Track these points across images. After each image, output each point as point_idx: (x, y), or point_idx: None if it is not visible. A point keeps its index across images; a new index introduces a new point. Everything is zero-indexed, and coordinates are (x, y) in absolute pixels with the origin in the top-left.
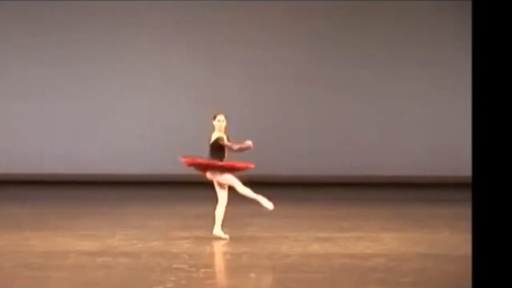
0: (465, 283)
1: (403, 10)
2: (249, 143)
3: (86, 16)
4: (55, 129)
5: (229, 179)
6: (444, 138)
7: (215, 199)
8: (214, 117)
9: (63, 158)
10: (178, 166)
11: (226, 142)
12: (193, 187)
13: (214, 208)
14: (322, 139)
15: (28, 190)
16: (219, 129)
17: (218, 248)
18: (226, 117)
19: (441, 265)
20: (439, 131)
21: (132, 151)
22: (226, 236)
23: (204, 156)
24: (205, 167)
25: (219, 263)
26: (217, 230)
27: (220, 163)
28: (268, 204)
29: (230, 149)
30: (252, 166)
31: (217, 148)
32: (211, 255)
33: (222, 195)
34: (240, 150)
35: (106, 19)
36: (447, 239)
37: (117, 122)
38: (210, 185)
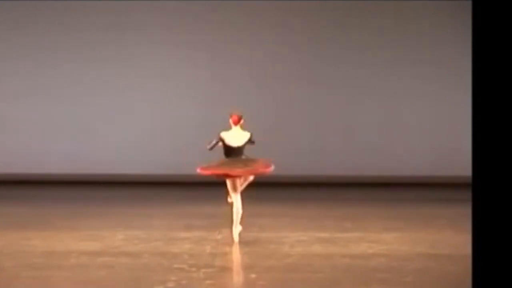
0: (467, 283)
1: (403, 10)
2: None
3: (86, 17)
4: (55, 129)
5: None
6: (445, 138)
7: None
8: (231, 116)
9: (64, 158)
10: (180, 166)
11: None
12: (194, 187)
13: (214, 208)
14: (323, 139)
15: (28, 190)
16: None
17: (219, 248)
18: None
19: (443, 265)
20: (440, 130)
21: (132, 151)
22: (236, 239)
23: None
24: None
25: (220, 263)
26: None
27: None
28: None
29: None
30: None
31: (243, 148)
32: (212, 255)
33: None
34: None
35: (107, 20)
36: (449, 239)
37: (117, 122)
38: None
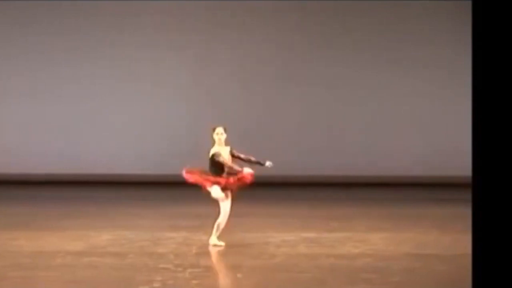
0: (455, 283)
1: (403, 10)
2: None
3: (83, 18)
4: (43, 130)
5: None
6: (438, 138)
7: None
8: (214, 130)
9: (50, 158)
10: (168, 167)
11: (223, 159)
12: (181, 187)
13: (200, 209)
14: (313, 138)
15: (15, 190)
16: (218, 143)
17: (205, 248)
18: (226, 130)
19: (429, 265)
20: (434, 131)
21: (120, 152)
22: (222, 243)
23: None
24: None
25: (206, 263)
26: (213, 239)
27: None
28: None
29: (229, 167)
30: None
31: (216, 163)
32: (198, 255)
33: (224, 205)
34: (237, 170)
35: (104, 21)
36: (436, 239)
37: (105, 123)
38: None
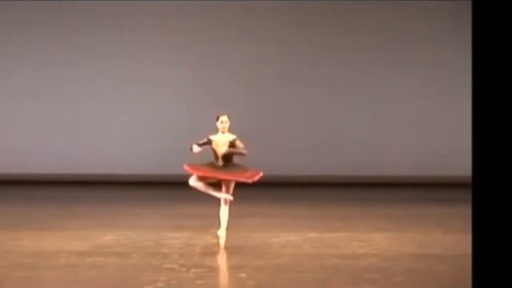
0: (457, 283)
1: (403, 10)
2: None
3: (83, 18)
4: (44, 129)
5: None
6: (438, 138)
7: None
8: (217, 119)
9: (53, 158)
10: (170, 167)
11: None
12: (184, 187)
13: (204, 208)
14: (314, 138)
15: (18, 190)
16: (222, 130)
17: (209, 248)
18: (229, 118)
19: (433, 265)
20: (434, 131)
21: (122, 152)
22: (222, 243)
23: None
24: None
25: (210, 263)
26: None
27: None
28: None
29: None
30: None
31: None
32: (202, 255)
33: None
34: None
35: (104, 21)
36: (439, 239)
37: (107, 122)
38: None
